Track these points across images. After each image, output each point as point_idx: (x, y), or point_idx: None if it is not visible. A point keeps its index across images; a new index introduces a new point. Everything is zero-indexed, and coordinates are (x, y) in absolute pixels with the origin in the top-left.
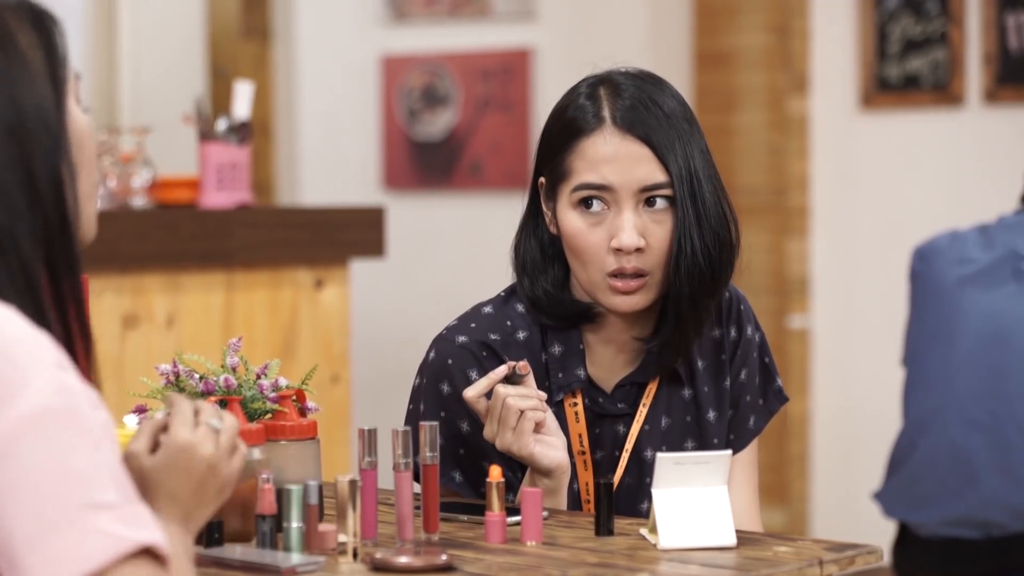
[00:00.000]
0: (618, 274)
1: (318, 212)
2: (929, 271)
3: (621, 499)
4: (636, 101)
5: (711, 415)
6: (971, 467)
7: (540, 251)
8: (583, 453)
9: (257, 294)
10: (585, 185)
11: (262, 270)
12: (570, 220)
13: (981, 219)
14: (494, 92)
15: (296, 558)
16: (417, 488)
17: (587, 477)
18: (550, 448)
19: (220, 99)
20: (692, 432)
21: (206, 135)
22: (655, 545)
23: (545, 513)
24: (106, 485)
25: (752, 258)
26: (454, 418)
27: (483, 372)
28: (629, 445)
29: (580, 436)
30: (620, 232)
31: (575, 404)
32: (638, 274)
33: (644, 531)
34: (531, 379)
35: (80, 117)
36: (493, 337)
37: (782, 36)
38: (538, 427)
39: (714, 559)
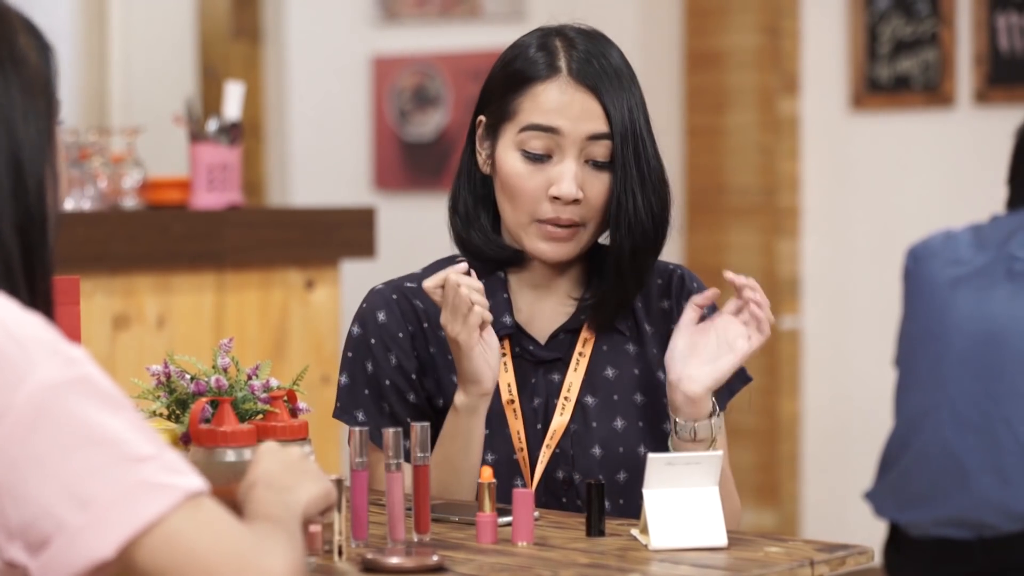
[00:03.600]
0: (552, 222)
1: (309, 213)
2: (922, 271)
3: (569, 444)
4: (589, 55)
5: (662, 375)
6: (962, 467)
7: (472, 193)
8: (512, 402)
9: (248, 295)
10: (533, 126)
11: (253, 271)
12: (510, 161)
13: (972, 220)
14: None
15: None
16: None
17: (518, 426)
18: (488, 359)
19: (211, 99)
20: (641, 386)
21: (197, 136)
22: (646, 546)
23: (536, 514)
24: (138, 439)
25: (743, 258)
26: (360, 359)
27: (391, 314)
28: (568, 393)
29: (509, 385)
30: (560, 180)
31: (503, 353)
32: (571, 224)
33: (635, 532)
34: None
35: (60, 140)
36: (408, 285)
37: (773, 36)
38: (482, 330)
39: (705, 560)
